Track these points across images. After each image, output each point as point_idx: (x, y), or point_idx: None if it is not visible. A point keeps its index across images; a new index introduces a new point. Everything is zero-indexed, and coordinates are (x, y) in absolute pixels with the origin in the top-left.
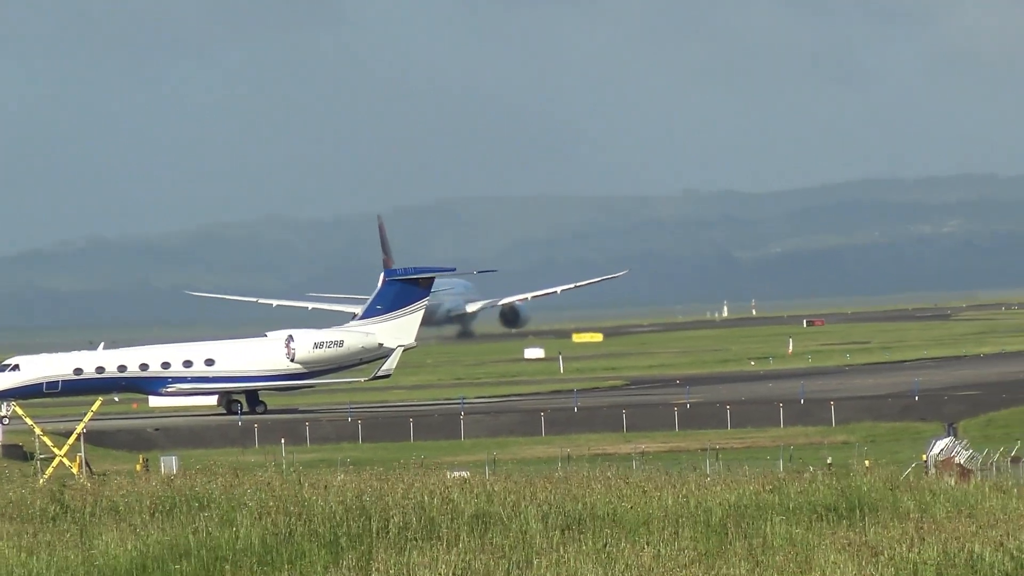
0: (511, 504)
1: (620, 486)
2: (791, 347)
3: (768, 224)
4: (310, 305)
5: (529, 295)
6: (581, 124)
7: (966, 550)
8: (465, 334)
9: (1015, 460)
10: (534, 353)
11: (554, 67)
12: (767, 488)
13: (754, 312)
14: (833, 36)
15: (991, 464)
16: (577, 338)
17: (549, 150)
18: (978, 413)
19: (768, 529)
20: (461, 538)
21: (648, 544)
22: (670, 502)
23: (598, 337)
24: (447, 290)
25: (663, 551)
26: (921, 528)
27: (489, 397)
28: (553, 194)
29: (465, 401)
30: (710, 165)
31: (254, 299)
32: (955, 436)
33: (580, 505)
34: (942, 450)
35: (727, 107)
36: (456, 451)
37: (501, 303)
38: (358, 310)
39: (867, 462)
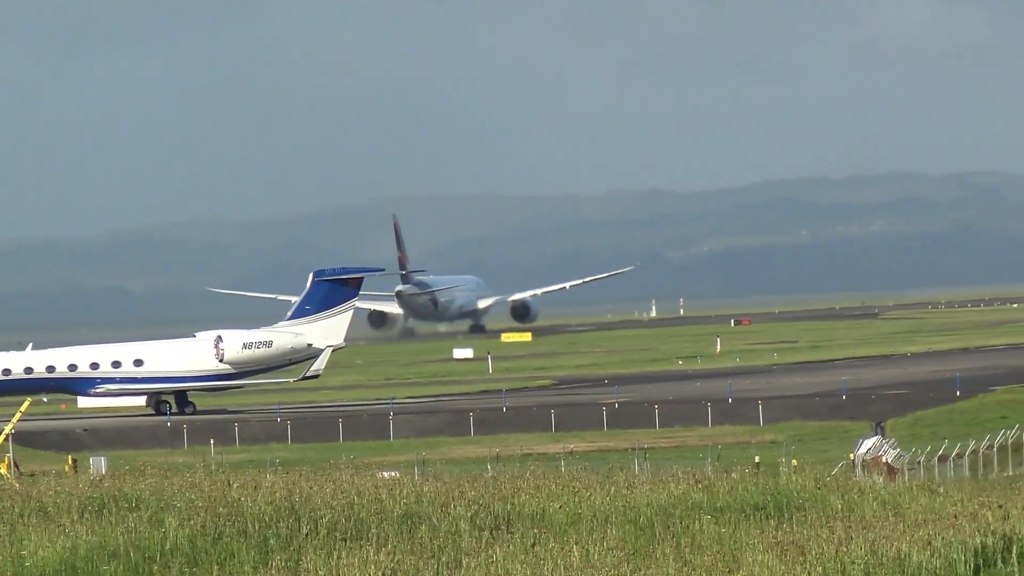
0: (440, 504)
1: (549, 486)
2: (719, 346)
3: (696, 223)
4: None
5: (539, 291)
6: (511, 124)
7: (894, 549)
8: (477, 328)
9: (942, 459)
10: (463, 353)
11: (484, 67)
12: (695, 487)
13: (682, 311)
14: (762, 33)
15: (918, 463)
16: (506, 338)
17: (480, 150)
18: (905, 412)
19: (696, 528)
20: (390, 538)
21: (577, 544)
22: (599, 501)
23: (527, 337)
24: (460, 286)
25: (591, 550)
26: (849, 527)
27: (418, 397)
28: (484, 194)
29: (394, 401)
30: (638, 164)
31: (273, 295)
32: (883, 435)
33: (509, 505)
34: (869, 449)
35: (654, 106)
36: (385, 451)
37: (511, 299)
38: (383, 307)
39: (795, 461)
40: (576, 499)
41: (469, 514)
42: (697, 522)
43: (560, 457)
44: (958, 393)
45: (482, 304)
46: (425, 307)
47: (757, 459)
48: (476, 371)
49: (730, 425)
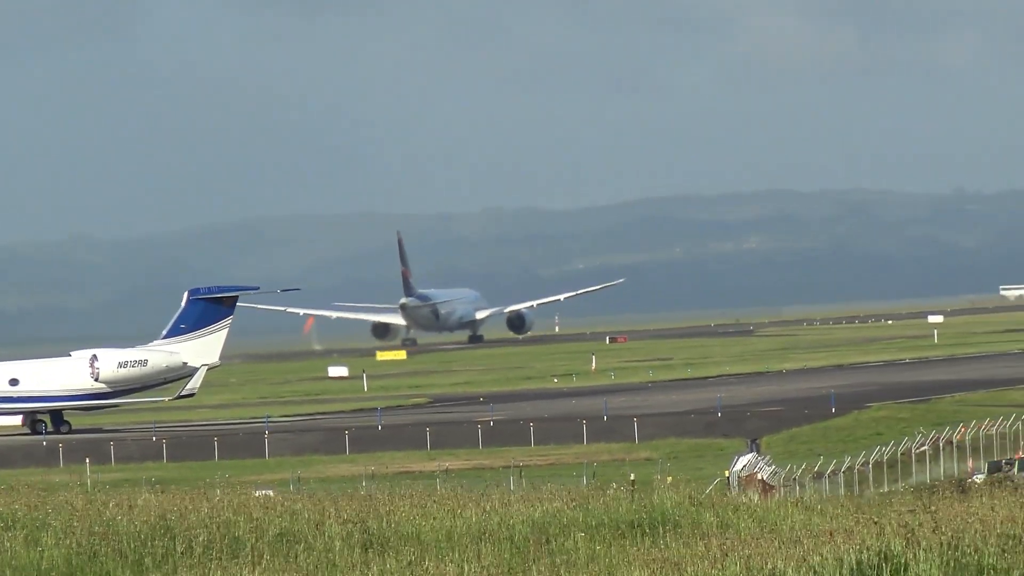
0: (315, 523)
1: (424, 504)
2: (594, 364)
3: (570, 241)
4: (334, 314)
5: (535, 303)
6: (385, 142)
7: (769, 566)
8: (475, 338)
9: (818, 476)
10: (338, 371)
11: (357, 85)
12: (570, 505)
13: (557, 329)
14: (635, 51)
15: (794, 480)
16: (381, 356)
17: (354, 169)
18: (781, 429)
19: (571, 546)
20: (265, 557)
21: (452, 562)
22: (474, 519)
23: (401, 355)
24: (459, 299)
25: (466, 568)
26: (724, 544)
27: (294, 416)
28: (359, 212)
29: (270, 420)
30: (512, 182)
31: (283, 308)
32: (758, 452)
33: (384, 523)
34: (745, 466)
35: (528, 123)
36: (261, 470)
37: (507, 310)
38: (387, 319)
39: (670, 478)
40: (451, 517)
41: (344, 532)
42: (572, 539)
43: (435, 475)
44: (833, 410)
45: (480, 315)
46: (427, 318)
47: (632, 476)
48: (351, 389)
49: (605, 443)
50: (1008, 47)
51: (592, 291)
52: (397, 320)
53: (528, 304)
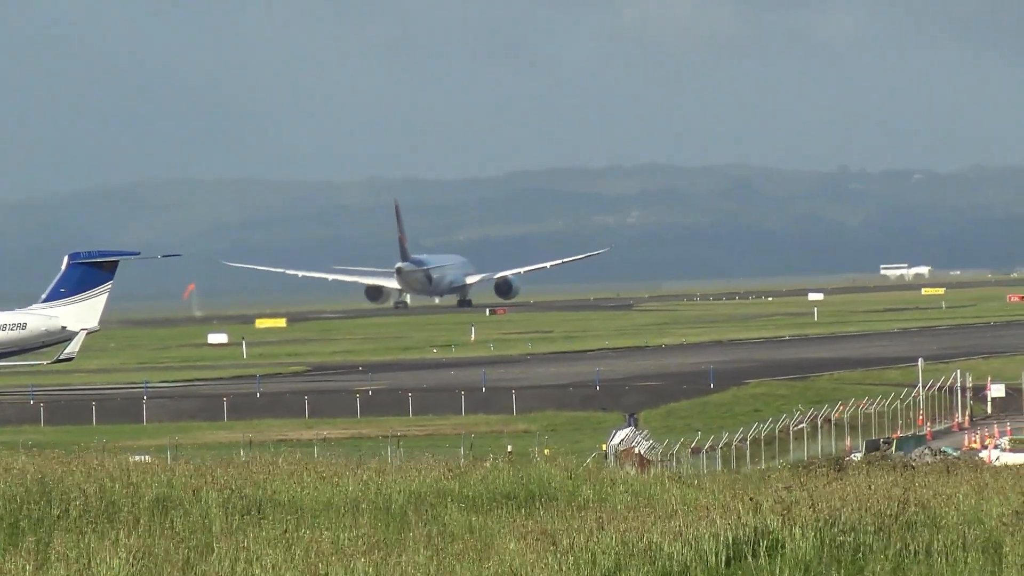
0: (192, 489)
1: (302, 472)
2: (473, 335)
3: (453, 212)
4: (330, 276)
5: (521, 269)
6: (270, 108)
7: (645, 540)
8: (464, 302)
9: (695, 451)
10: (218, 338)
11: (242, 51)
12: (448, 476)
13: (437, 300)
14: (519, 21)
15: (671, 454)
16: (260, 323)
17: (238, 135)
18: (659, 404)
19: (447, 516)
20: (141, 522)
21: (328, 530)
22: (351, 488)
23: (281, 323)
24: (450, 264)
25: (342, 537)
26: (600, 517)
27: (172, 382)
28: (244, 178)
29: (148, 385)
30: (396, 152)
31: (281, 269)
32: (636, 426)
33: (261, 491)
34: (623, 440)
35: (412, 93)
36: (139, 435)
37: (496, 276)
38: (381, 282)
39: (547, 451)
40: (329, 486)
41: (221, 499)
42: (448, 510)
43: (313, 444)
44: (712, 386)
45: (470, 280)
46: (421, 282)
47: (510, 448)
48: (230, 356)
49: (484, 414)
50: (888, 26)
51: (577, 259)
52: (391, 283)
53: (516, 271)
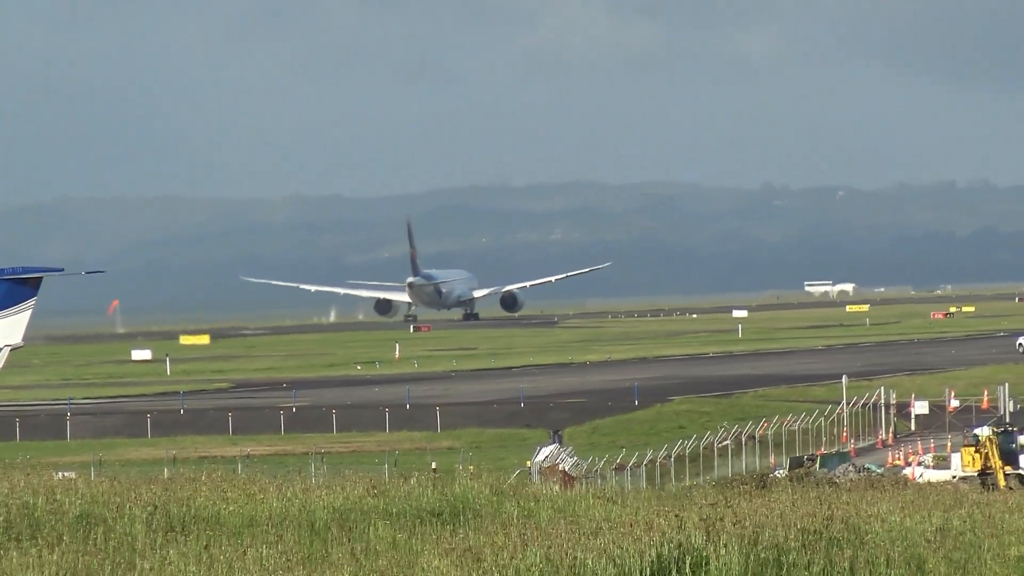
0: (116, 506)
1: (225, 488)
2: (398, 352)
3: (377, 229)
4: (342, 290)
5: (527, 283)
6: (195, 126)
7: (569, 557)
8: (471, 316)
9: (619, 467)
10: (141, 355)
11: (166, 70)
12: (372, 492)
13: (361, 317)
14: (438, 38)
15: (596, 471)
16: (184, 340)
17: (162, 152)
18: (584, 421)
19: (371, 533)
20: (64, 538)
21: (252, 547)
22: (275, 505)
23: (205, 339)
24: (458, 279)
25: (266, 553)
26: (524, 534)
27: (96, 398)
28: (166, 196)
29: (72, 402)
30: (319, 169)
31: (295, 284)
32: (560, 443)
33: (185, 507)
34: (547, 456)
35: (334, 110)
36: (63, 451)
37: (503, 290)
38: (391, 296)
39: (472, 468)
40: (252, 503)
41: (145, 515)
42: (373, 527)
43: (237, 460)
44: (636, 402)
45: (477, 294)
46: (431, 296)
47: (434, 465)
48: (154, 373)
49: (408, 431)
50: (808, 44)
51: (581, 273)
52: (401, 297)
53: (521, 285)
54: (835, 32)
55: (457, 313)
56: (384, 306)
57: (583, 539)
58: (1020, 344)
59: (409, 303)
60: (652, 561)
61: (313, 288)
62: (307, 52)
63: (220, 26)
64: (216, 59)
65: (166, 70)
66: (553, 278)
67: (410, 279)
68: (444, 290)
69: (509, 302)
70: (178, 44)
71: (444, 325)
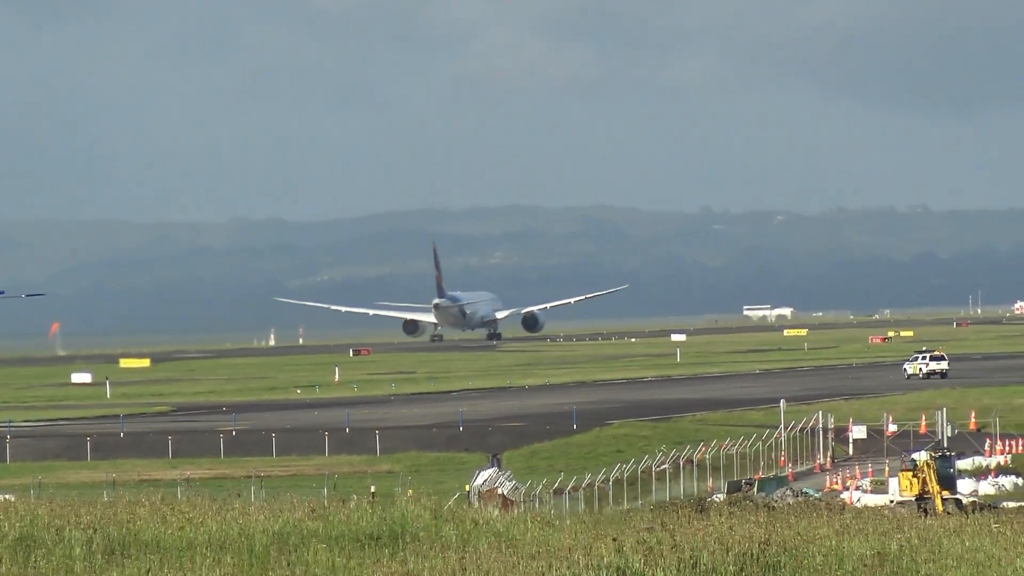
0: (55, 528)
1: (165, 512)
2: (337, 376)
3: (316, 252)
4: (371, 311)
5: (548, 304)
6: (126, 150)
7: None
8: (494, 336)
9: (558, 491)
10: (81, 378)
11: (98, 93)
12: (311, 516)
13: (301, 340)
14: (373, 64)
15: (534, 495)
16: (125, 363)
17: (100, 175)
18: (522, 444)
19: (310, 557)
20: (4, 561)
21: (191, 571)
22: (214, 528)
23: (145, 363)
24: (482, 300)
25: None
26: (463, 558)
27: (35, 421)
28: (106, 219)
29: (11, 424)
30: (258, 193)
31: (325, 305)
32: (499, 467)
33: (124, 530)
34: (486, 481)
35: (268, 134)
36: (2, 474)
37: (524, 311)
38: (418, 316)
39: (411, 491)
40: (192, 526)
41: (84, 538)
42: (312, 550)
43: (177, 484)
44: (575, 426)
45: (499, 315)
46: (456, 317)
47: (373, 489)
48: (94, 396)
49: (347, 455)
50: (745, 69)
51: (600, 296)
52: (427, 318)
53: (542, 306)
54: (775, 57)
55: (481, 333)
56: (411, 326)
57: (521, 563)
58: (906, 370)
59: (435, 324)
60: None
61: (344, 309)
62: (242, 77)
63: (157, 50)
64: (158, 84)
65: (106, 95)
66: (572, 300)
67: (436, 301)
68: (468, 311)
69: (531, 322)
70: (117, 67)
71: (384, 349)
